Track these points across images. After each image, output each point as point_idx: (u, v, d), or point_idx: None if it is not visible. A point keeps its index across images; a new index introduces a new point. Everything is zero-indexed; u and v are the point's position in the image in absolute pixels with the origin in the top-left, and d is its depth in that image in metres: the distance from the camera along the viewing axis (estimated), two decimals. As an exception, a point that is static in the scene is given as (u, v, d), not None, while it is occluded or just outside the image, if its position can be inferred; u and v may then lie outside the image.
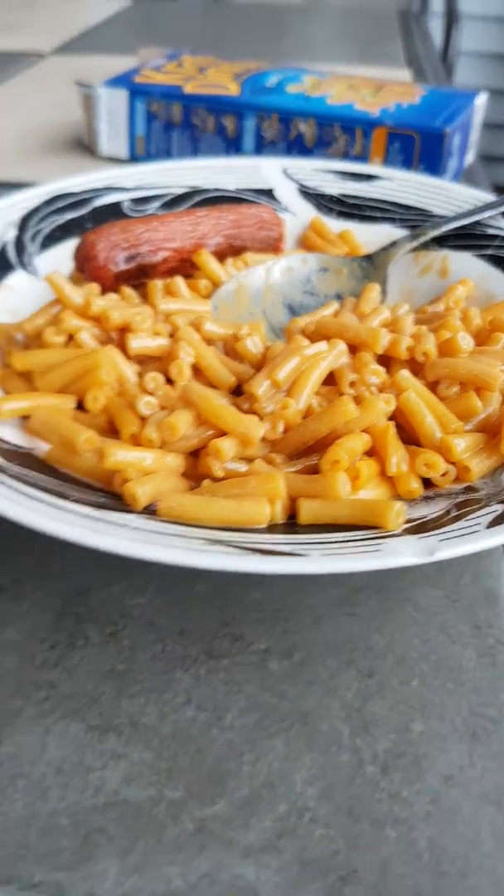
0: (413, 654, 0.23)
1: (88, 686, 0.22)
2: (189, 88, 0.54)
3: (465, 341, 0.26)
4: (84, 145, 0.60)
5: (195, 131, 0.54)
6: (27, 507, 0.21)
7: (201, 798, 0.19)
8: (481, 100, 0.53)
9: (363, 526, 0.21)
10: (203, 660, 0.22)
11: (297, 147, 0.50)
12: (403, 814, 0.19)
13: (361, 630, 0.23)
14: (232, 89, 0.53)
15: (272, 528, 0.22)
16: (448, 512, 0.21)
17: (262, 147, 0.52)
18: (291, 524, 0.22)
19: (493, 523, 0.20)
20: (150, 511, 0.22)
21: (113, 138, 0.57)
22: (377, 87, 0.53)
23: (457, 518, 0.21)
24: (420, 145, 0.46)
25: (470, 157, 0.55)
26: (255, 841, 0.19)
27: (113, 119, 0.56)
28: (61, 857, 0.18)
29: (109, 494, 0.23)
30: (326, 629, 0.23)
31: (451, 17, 1.61)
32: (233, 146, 0.53)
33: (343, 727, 0.21)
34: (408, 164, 0.47)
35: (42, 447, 0.25)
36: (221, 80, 0.54)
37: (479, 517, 0.21)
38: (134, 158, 0.57)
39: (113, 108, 0.56)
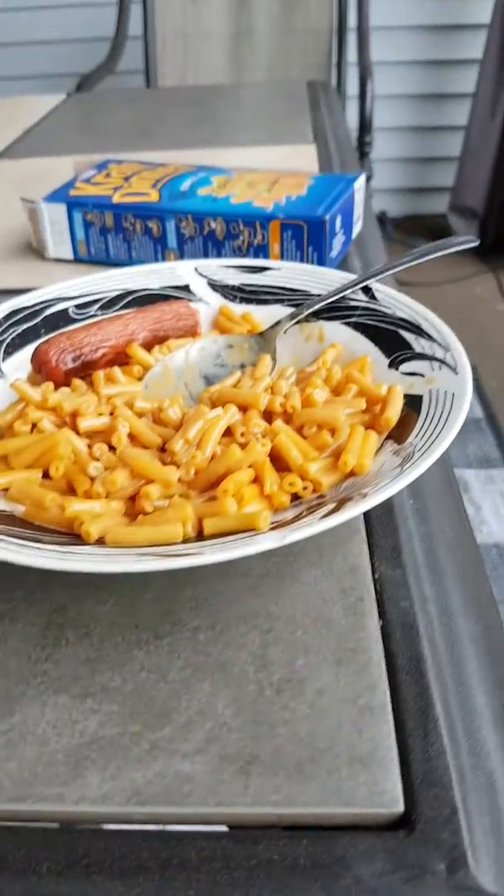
0: (298, 614, 0.32)
1: (70, 670, 0.31)
2: (117, 198, 0.65)
3: (319, 395, 0.36)
4: (34, 249, 0.70)
5: (126, 234, 0.64)
6: (14, 550, 0.30)
7: (153, 728, 0.29)
8: (360, 182, 0.64)
9: (246, 530, 0.31)
10: (152, 640, 0.32)
11: (211, 240, 0.61)
12: (290, 717, 0.28)
13: (263, 603, 0.33)
14: (153, 196, 0.64)
15: (186, 542, 0.31)
16: (300, 513, 0.31)
17: (182, 242, 0.62)
18: (199, 537, 0.32)
19: (325, 516, 0.30)
20: (100, 542, 0.32)
21: (58, 244, 0.68)
22: (272, 181, 0.64)
23: (305, 516, 0.30)
24: (307, 231, 0.57)
25: (358, 227, 0.66)
26: (190, 748, 0.28)
27: (56, 228, 0.67)
28: (60, 778, 0.27)
29: (70, 535, 0.32)
30: (238, 606, 0.33)
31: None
32: (159, 243, 0.63)
33: (249, 668, 0.30)
34: (300, 246, 0.58)
35: (19, 509, 0.35)
36: (143, 188, 0.65)
37: (318, 513, 0.30)
38: (78, 259, 0.67)
39: (55, 219, 0.67)
